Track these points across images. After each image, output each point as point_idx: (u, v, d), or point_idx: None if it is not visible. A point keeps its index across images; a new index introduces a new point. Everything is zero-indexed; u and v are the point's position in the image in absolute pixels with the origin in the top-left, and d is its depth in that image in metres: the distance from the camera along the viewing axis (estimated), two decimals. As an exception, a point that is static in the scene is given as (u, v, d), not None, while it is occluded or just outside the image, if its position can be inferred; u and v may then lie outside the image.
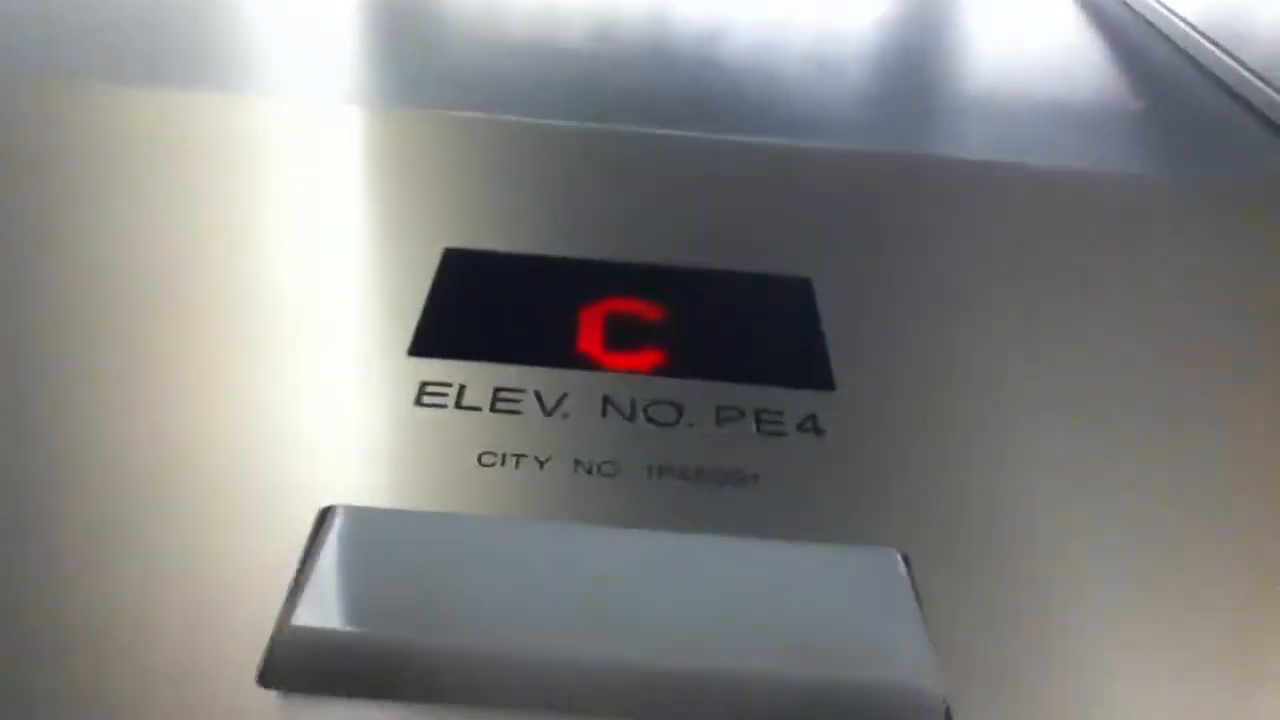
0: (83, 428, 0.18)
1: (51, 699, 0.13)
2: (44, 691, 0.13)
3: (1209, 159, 0.33)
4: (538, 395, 0.19)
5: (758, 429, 0.19)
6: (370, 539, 0.16)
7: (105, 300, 0.21)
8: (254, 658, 0.14)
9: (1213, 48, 0.40)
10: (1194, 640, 0.16)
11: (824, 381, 0.20)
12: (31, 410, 0.18)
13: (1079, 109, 0.37)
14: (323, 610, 0.14)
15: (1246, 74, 0.37)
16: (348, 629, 0.14)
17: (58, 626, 0.14)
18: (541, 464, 0.18)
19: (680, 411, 0.19)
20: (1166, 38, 0.43)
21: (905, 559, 0.16)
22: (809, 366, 0.21)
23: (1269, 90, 0.36)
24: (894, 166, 0.30)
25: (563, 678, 0.14)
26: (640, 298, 0.22)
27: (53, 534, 0.16)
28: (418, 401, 0.19)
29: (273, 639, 0.14)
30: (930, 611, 0.15)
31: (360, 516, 0.16)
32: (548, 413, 0.19)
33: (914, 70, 0.42)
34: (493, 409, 0.19)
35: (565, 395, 0.19)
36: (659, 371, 0.20)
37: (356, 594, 0.15)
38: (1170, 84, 0.40)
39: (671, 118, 0.33)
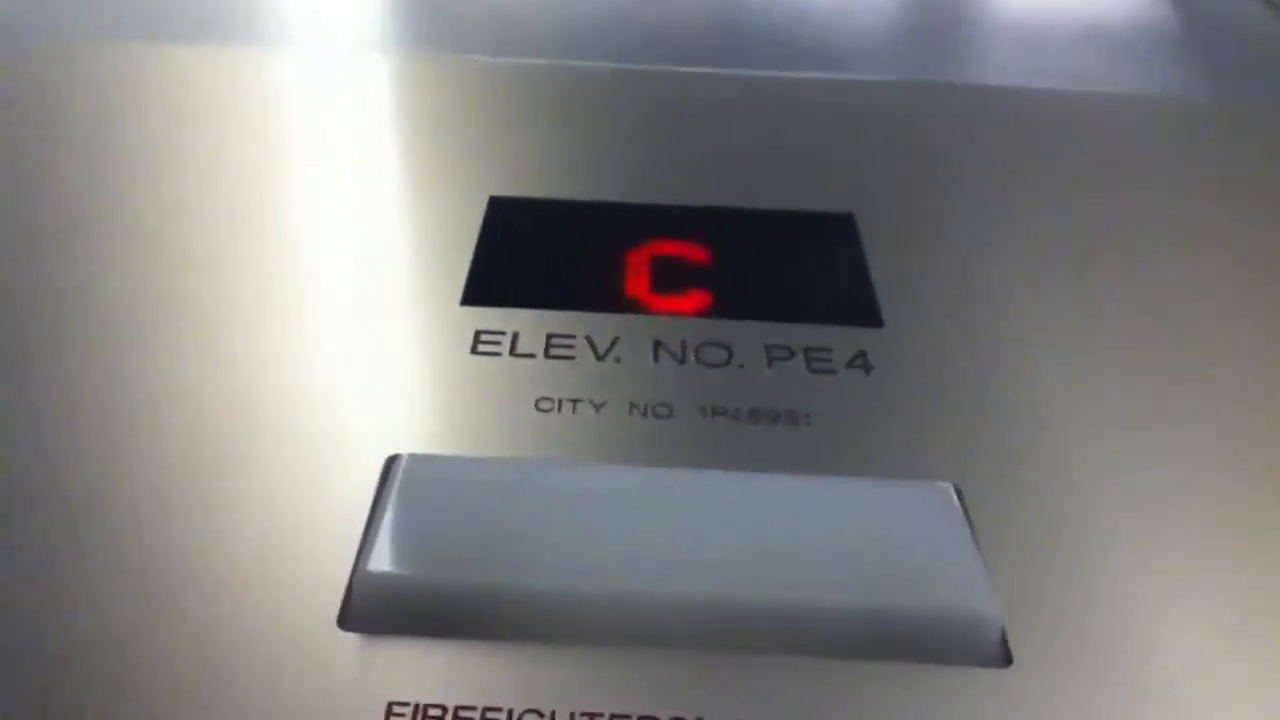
0: (149, 384, 0.18)
1: (138, 648, 0.14)
2: (131, 640, 0.14)
3: (1255, 79, 0.33)
4: (590, 340, 0.20)
5: (808, 367, 0.19)
6: (437, 485, 0.16)
7: (160, 260, 0.21)
8: (333, 602, 0.15)
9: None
10: (1248, 565, 0.16)
11: (872, 318, 0.21)
12: (97, 368, 0.19)
13: (1117, 32, 0.37)
14: (396, 555, 0.15)
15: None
16: (420, 573, 0.15)
17: (141, 576, 0.15)
18: (597, 408, 0.18)
19: (730, 353, 0.20)
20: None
21: (958, 491, 0.17)
22: (856, 304, 0.21)
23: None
24: (931, 96, 0.30)
25: (627, 613, 0.15)
26: (685, 240, 0.23)
27: (130, 489, 0.16)
28: (473, 350, 0.19)
29: (350, 584, 0.15)
30: (984, 541, 0.16)
31: (427, 463, 0.17)
32: (600, 357, 0.19)
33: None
34: (547, 355, 0.19)
35: (617, 340, 0.20)
36: (707, 313, 0.21)
37: (427, 538, 0.15)
38: (1211, 2, 0.39)
39: (704, 55, 0.33)
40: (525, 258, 0.22)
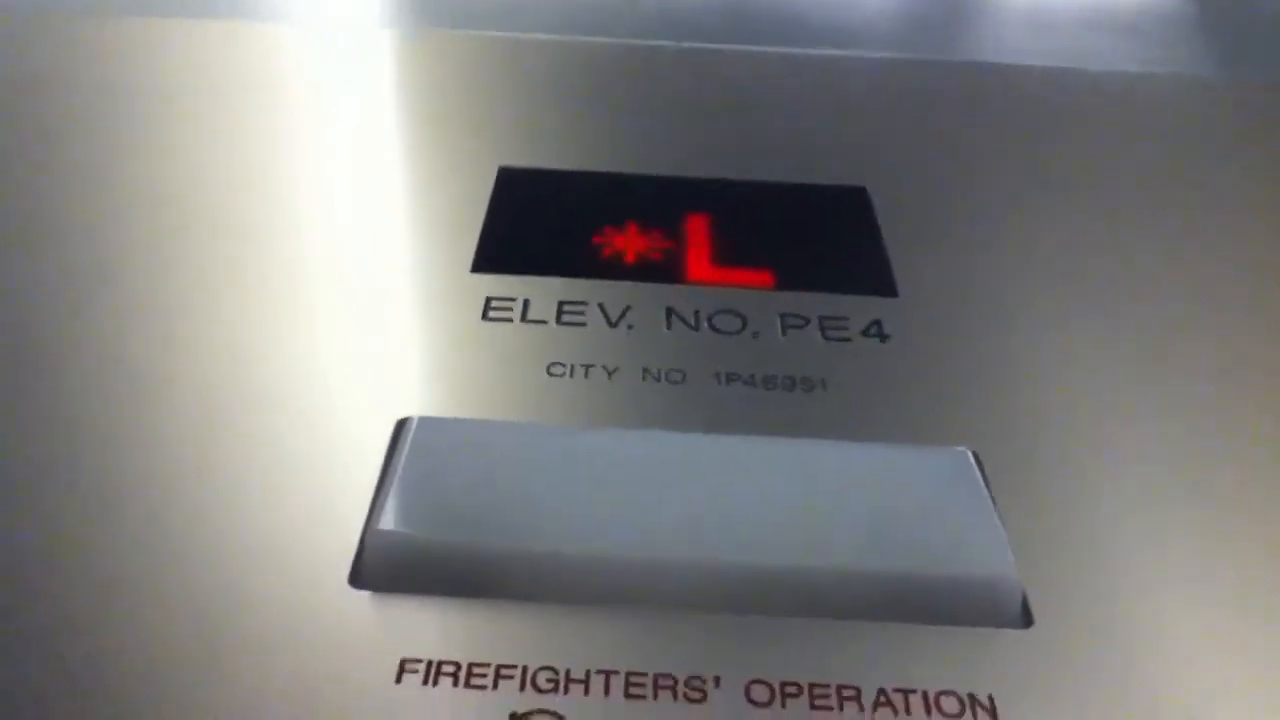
0: (162, 352, 0.18)
1: (153, 608, 0.14)
2: (145, 600, 0.14)
3: (1272, 60, 0.33)
4: (602, 307, 0.20)
5: (823, 336, 0.19)
6: (447, 446, 0.16)
7: (172, 230, 0.21)
8: (345, 561, 0.14)
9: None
10: (1267, 528, 0.16)
11: (886, 288, 0.20)
12: (108, 333, 0.18)
13: (1134, 10, 0.36)
14: (406, 514, 0.15)
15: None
16: (431, 532, 0.15)
17: (155, 537, 0.15)
18: (610, 373, 0.18)
19: (744, 321, 0.19)
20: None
21: (976, 457, 0.16)
22: (870, 274, 0.21)
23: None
24: (943, 74, 0.30)
25: (644, 575, 0.14)
26: (696, 211, 0.22)
27: (144, 453, 0.16)
28: (484, 316, 0.19)
29: (362, 542, 0.15)
30: (1002, 505, 0.16)
31: (436, 426, 0.16)
32: (613, 324, 0.19)
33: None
34: (558, 321, 0.19)
35: (629, 308, 0.20)
36: (720, 283, 0.20)
37: (438, 498, 0.15)
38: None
39: (713, 31, 0.32)
40: (535, 227, 0.22)
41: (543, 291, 0.20)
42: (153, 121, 0.25)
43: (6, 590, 0.14)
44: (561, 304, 0.20)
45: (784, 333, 0.19)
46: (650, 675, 0.13)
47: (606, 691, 0.13)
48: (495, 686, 0.13)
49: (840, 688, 0.13)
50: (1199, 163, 0.26)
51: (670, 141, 0.25)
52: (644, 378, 0.18)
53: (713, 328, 0.19)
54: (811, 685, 0.13)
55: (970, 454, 0.16)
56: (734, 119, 0.27)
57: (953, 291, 0.20)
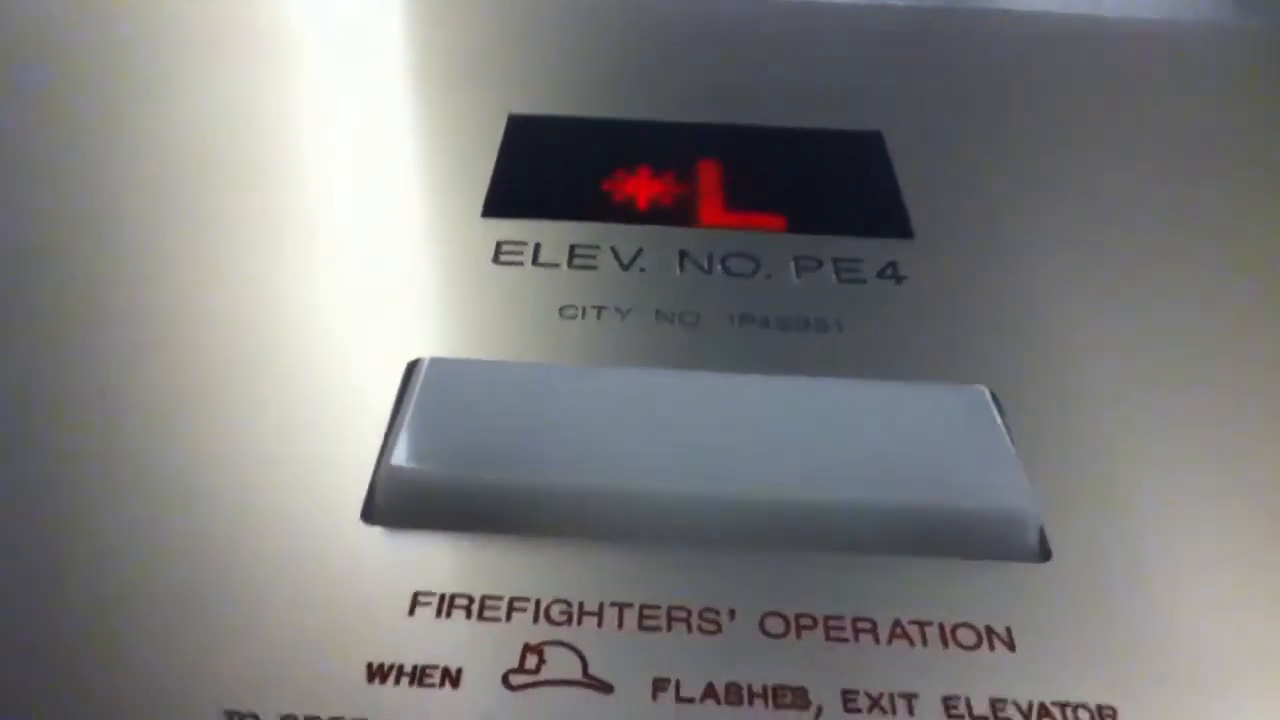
0: (178, 295, 0.18)
1: (166, 544, 0.14)
2: (159, 536, 0.14)
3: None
4: (614, 251, 0.19)
5: (838, 278, 0.19)
6: (458, 386, 0.16)
7: (186, 179, 0.21)
8: (357, 498, 0.14)
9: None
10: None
11: (902, 230, 0.20)
12: (126, 281, 0.18)
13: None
14: (418, 451, 0.15)
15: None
16: (443, 468, 0.14)
17: (168, 475, 0.15)
18: (623, 315, 0.18)
19: (757, 263, 0.19)
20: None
21: (993, 395, 0.16)
22: (886, 216, 0.21)
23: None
24: (958, 19, 0.29)
25: (654, 509, 0.14)
26: (711, 157, 0.22)
27: (159, 390, 0.16)
28: (495, 260, 0.19)
29: (373, 479, 0.14)
30: (1019, 442, 0.15)
31: (447, 366, 0.16)
32: (625, 267, 0.19)
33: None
34: (570, 264, 0.19)
35: (641, 250, 0.19)
36: (733, 226, 0.20)
37: (449, 435, 0.15)
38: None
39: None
40: (546, 172, 0.22)
41: (554, 235, 0.20)
42: (163, 69, 0.25)
43: (27, 532, 0.14)
44: (573, 247, 0.19)
45: (798, 275, 0.19)
46: (664, 608, 0.13)
47: (620, 623, 0.13)
48: (508, 619, 0.13)
49: (856, 620, 0.13)
50: (1216, 107, 0.26)
51: (682, 87, 0.25)
52: (657, 319, 0.18)
53: (726, 270, 0.19)
54: (827, 618, 0.13)
55: (987, 392, 0.16)
56: (749, 65, 0.26)
57: (969, 233, 0.20)
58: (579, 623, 0.13)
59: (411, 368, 0.16)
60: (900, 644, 0.13)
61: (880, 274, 0.19)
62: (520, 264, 0.19)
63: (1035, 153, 0.23)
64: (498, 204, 0.20)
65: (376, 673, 0.12)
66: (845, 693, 0.12)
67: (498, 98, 0.24)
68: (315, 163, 0.22)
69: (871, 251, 0.20)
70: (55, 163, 0.21)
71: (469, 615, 0.13)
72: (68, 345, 0.17)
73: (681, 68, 0.26)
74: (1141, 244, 0.20)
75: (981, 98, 0.26)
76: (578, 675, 0.12)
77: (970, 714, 0.12)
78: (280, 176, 0.21)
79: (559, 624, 0.13)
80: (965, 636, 0.13)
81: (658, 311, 0.18)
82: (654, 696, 0.12)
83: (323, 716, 0.12)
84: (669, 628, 0.13)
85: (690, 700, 0.12)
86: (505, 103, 0.24)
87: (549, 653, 0.13)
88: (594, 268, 0.19)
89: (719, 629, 0.13)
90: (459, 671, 0.12)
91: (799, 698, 0.12)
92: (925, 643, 0.13)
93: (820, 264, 0.19)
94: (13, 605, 0.13)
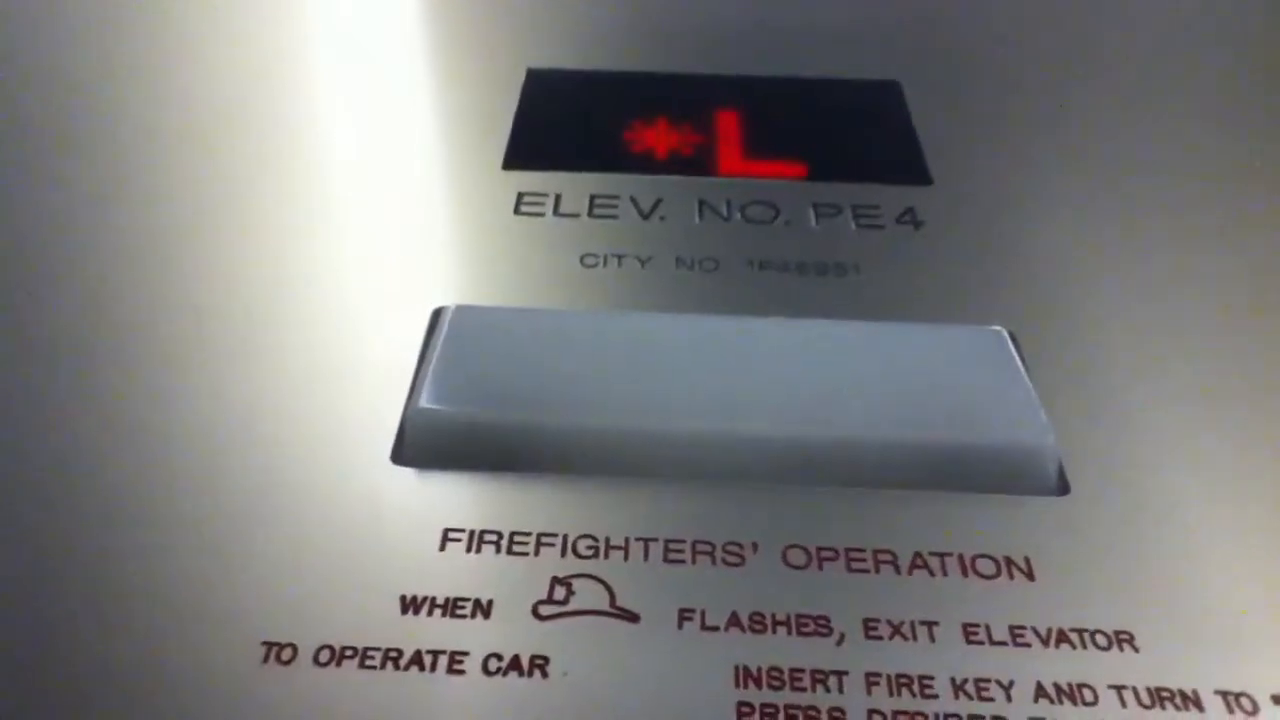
0: (206, 248, 0.18)
1: (199, 485, 0.14)
2: (192, 478, 0.14)
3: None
4: (634, 200, 0.20)
5: (856, 224, 0.19)
6: (483, 331, 0.16)
7: (214, 136, 0.21)
8: (386, 441, 0.15)
9: None
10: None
11: (920, 177, 0.20)
12: (162, 236, 0.19)
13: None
14: (446, 393, 0.15)
15: None
16: (470, 409, 0.15)
17: (200, 421, 0.15)
18: (643, 262, 0.18)
19: (776, 210, 0.19)
20: None
21: (1012, 336, 0.16)
22: (904, 163, 0.21)
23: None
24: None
25: (678, 448, 0.14)
26: (729, 107, 0.22)
27: (193, 339, 0.16)
28: (516, 211, 0.19)
29: (402, 422, 0.15)
30: (1037, 381, 0.16)
31: (472, 312, 0.16)
32: (645, 216, 0.19)
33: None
34: (590, 214, 0.19)
35: (660, 200, 0.20)
36: (751, 174, 0.20)
37: (476, 378, 0.15)
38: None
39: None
40: (565, 125, 0.22)
41: (574, 186, 0.20)
42: (182, 28, 0.25)
43: (66, 483, 0.14)
44: (594, 197, 0.20)
45: (817, 221, 0.19)
46: (689, 542, 0.13)
47: (646, 557, 0.13)
48: (537, 553, 0.13)
49: (876, 552, 0.13)
50: (1236, 51, 0.25)
51: (699, 38, 0.25)
52: (677, 266, 0.18)
53: (745, 218, 0.19)
54: (848, 550, 0.13)
55: (1006, 333, 0.16)
56: (767, 16, 0.26)
57: (987, 179, 0.20)
58: (606, 556, 0.13)
59: (437, 315, 0.17)
60: (920, 574, 0.13)
61: (899, 219, 0.19)
62: (541, 215, 0.19)
63: (1054, 99, 0.23)
64: (518, 156, 0.21)
65: (410, 604, 0.13)
66: (866, 620, 0.13)
67: (517, 52, 0.24)
68: (339, 120, 0.22)
69: (890, 198, 0.20)
70: (94, 115, 0.22)
71: (498, 550, 0.13)
72: (111, 298, 0.17)
73: (699, 20, 0.26)
74: (1158, 189, 0.20)
75: (1001, 46, 0.25)
76: (605, 606, 0.13)
77: (990, 640, 0.12)
78: (306, 133, 0.22)
79: (586, 558, 0.13)
80: (985, 567, 0.13)
81: (678, 259, 0.18)
82: (680, 625, 0.12)
83: (359, 646, 0.12)
84: (693, 560, 0.13)
85: (715, 629, 0.12)
86: (524, 57, 0.24)
87: (577, 584, 0.13)
88: (614, 217, 0.19)
89: (742, 561, 0.13)
90: (490, 603, 0.13)
91: (821, 625, 0.12)
92: (945, 573, 0.13)
93: (839, 210, 0.19)
94: (65, 547, 0.13)
